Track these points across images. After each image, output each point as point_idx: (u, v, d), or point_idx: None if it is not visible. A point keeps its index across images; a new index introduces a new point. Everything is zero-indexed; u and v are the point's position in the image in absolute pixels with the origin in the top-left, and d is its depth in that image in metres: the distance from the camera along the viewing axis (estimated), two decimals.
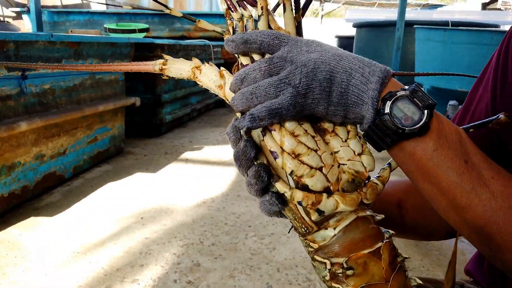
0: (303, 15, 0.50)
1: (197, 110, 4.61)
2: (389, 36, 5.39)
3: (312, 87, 0.43)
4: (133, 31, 3.74)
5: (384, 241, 0.46)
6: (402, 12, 4.86)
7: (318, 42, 0.47)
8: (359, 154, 0.47)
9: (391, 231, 0.48)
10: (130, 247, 1.73)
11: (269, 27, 0.49)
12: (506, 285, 0.66)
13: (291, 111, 0.43)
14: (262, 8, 0.48)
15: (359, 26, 6.37)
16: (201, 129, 4.05)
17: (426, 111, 0.42)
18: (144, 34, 3.89)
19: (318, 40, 0.48)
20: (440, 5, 14.61)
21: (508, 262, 0.44)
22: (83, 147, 2.61)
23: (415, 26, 4.53)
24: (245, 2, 0.49)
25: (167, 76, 0.54)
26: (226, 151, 3.22)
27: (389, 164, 0.51)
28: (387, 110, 0.42)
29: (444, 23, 5.05)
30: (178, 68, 0.53)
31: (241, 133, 0.47)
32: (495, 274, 0.69)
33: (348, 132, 0.48)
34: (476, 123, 0.52)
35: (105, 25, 3.92)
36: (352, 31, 6.72)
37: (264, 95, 0.44)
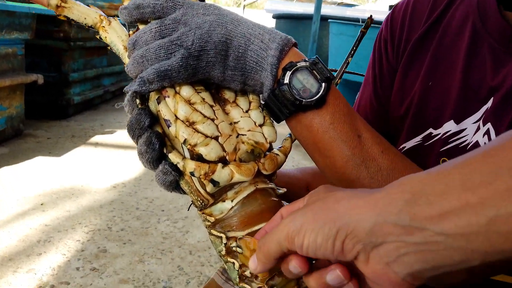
0: None
1: (111, 93, 4.34)
2: (306, 28, 5.58)
3: (207, 49, 0.42)
4: None
5: None
6: (318, 7, 5.06)
7: (216, 6, 0.45)
8: (261, 125, 0.46)
9: None
10: (27, 235, 1.57)
11: None
12: None
13: (182, 73, 0.42)
14: None
15: (278, 17, 6.50)
16: (115, 112, 3.83)
17: (324, 84, 0.43)
18: None
19: (218, 5, 0.46)
20: (354, 5, 15.55)
21: None
22: None
23: (329, 20, 4.75)
24: None
25: (64, 17, 0.48)
26: None
27: (290, 134, 0.51)
28: (286, 80, 0.42)
29: (356, 20, 5.36)
30: (82, 11, 0.48)
31: (128, 97, 0.44)
32: None
33: (250, 103, 0.47)
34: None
35: None
36: (272, 23, 6.84)
37: (154, 58, 0.42)
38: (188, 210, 0.54)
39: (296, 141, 0.49)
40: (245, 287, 0.44)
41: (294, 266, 0.32)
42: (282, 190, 0.48)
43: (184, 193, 0.47)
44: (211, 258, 1.53)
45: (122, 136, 3.07)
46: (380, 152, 0.45)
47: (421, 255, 0.25)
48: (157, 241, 1.62)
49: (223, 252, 0.44)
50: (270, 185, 0.46)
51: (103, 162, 2.48)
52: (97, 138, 2.95)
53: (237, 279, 0.44)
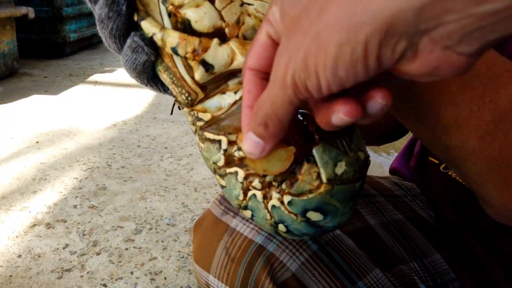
0: None
1: None
2: None
3: None
4: None
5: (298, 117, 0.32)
6: None
7: None
8: None
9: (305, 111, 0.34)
10: (21, 173, 1.47)
11: None
12: (432, 178, 0.58)
13: None
14: None
15: None
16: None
17: None
18: None
19: None
20: None
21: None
22: None
23: None
24: None
25: None
26: None
27: None
28: None
29: None
30: None
31: None
32: (422, 170, 0.62)
33: None
34: None
35: None
36: None
37: None
38: (171, 113, 0.40)
39: None
40: (254, 205, 0.30)
41: (340, 117, 0.21)
42: None
43: (164, 88, 0.33)
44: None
45: (123, 74, 2.90)
46: None
47: (500, 25, 0.15)
48: (160, 178, 1.52)
49: (221, 163, 0.31)
50: None
51: (103, 101, 2.34)
52: (96, 77, 2.79)
53: (241, 196, 0.31)
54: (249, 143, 0.24)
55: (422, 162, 0.62)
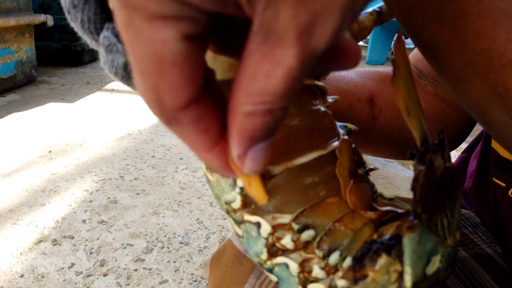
0: None
1: None
2: None
3: None
4: None
5: (342, 137, 0.22)
6: None
7: None
8: None
9: (350, 125, 0.24)
10: (31, 185, 1.42)
11: None
12: (498, 205, 0.47)
13: None
14: None
15: None
16: None
17: None
18: None
19: None
20: None
21: None
22: None
23: None
24: None
25: None
26: None
27: (379, 9, 0.27)
28: None
29: None
30: None
31: None
32: (483, 194, 0.50)
33: None
34: None
35: None
36: None
37: None
38: None
39: None
40: (283, 275, 0.21)
41: None
42: (332, 99, 0.25)
43: None
44: None
45: None
46: None
47: None
48: (174, 191, 1.43)
49: (236, 204, 0.22)
50: (317, 84, 0.23)
51: (119, 109, 2.29)
52: (113, 85, 2.76)
53: (264, 255, 0.21)
54: (254, 155, 0.15)
55: (483, 184, 0.51)
